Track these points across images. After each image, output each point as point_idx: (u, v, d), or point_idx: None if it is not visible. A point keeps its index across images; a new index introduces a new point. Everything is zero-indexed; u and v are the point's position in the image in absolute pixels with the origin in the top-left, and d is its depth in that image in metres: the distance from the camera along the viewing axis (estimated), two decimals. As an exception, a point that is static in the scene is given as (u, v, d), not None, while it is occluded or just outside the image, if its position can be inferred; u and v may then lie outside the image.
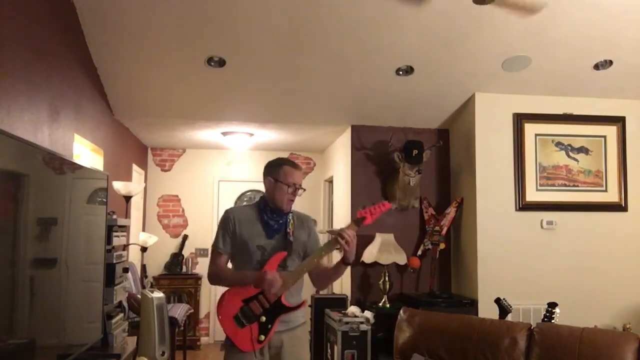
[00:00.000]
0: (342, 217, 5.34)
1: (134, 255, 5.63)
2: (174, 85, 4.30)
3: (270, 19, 3.42)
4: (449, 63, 3.99)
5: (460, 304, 4.30)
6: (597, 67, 4.07)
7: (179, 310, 4.98)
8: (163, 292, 3.58)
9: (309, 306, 4.67)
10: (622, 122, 4.58)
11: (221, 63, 3.88)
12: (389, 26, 3.51)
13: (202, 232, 6.65)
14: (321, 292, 4.93)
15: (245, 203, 6.64)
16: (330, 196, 6.36)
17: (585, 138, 4.54)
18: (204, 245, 6.65)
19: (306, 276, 2.55)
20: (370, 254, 4.55)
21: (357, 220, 2.37)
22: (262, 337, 2.34)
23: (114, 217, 3.42)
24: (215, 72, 4.00)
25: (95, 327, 3.01)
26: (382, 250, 4.53)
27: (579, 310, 4.02)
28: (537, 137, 4.49)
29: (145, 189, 6.50)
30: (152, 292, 3.46)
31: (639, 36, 3.69)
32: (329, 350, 4.38)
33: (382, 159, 4.91)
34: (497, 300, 3.49)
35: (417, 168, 4.55)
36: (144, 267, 6.27)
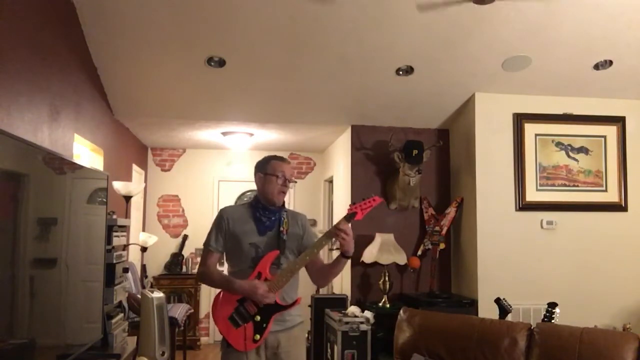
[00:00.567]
0: (342, 217, 5.33)
1: (134, 255, 5.63)
2: (174, 85, 4.30)
3: (270, 19, 3.42)
4: (449, 63, 3.99)
5: (460, 304, 4.30)
6: (597, 67, 4.07)
7: (179, 310, 4.98)
8: (163, 292, 3.58)
9: (309, 306, 4.67)
10: (622, 122, 4.59)
11: (221, 63, 3.88)
12: (389, 26, 3.51)
13: (202, 232, 6.53)
14: (321, 292, 4.93)
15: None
16: (330, 196, 6.36)
17: (585, 138, 4.54)
18: (203, 245, 6.65)
19: (305, 275, 2.55)
20: (370, 254, 4.55)
21: (347, 217, 2.39)
22: (258, 337, 2.35)
23: (114, 217, 3.43)
24: (215, 72, 4.00)
25: (95, 327, 3.01)
26: (382, 250, 4.53)
27: (579, 310, 4.02)
28: (537, 137, 4.49)
29: (145, 189, 6.50)
30: (152, 292, 3.46)
31: (639, 36, 3.69)
32: (329, 350, 4.38)
33: (382, 159, 4.91)
34: (497, 300, 3.49)
35: (417, 168, 4.55)
36: (144, 267, 6.27)
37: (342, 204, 5.41)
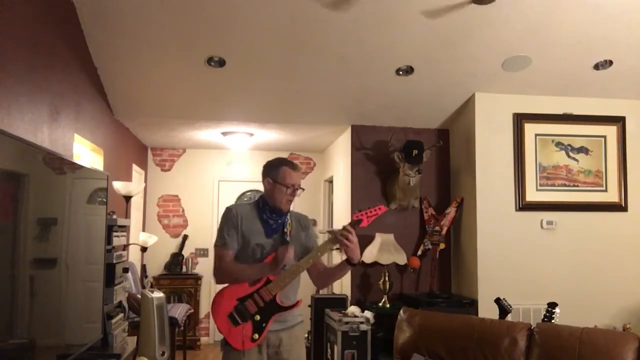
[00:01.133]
0: (342, 217, 5.34)
1: (134, 255, 5.63)
2: (174, 85, 4.30)
3: (270, 18, 3.42)
4: (449, 63, 3.99)
5: (460, 304, 4.30)
6: (597, 67, 4.07)
7: (179, 310, 4.98)
8: (163, 292, 3.58)
9: (309, 306, 4.67)
10: (622, 122, 4.59)
11: (221, 63, 3.88)
12: (389, 26, 3.51)
13: (202, 232, 6.65)
14: (321, 292, 4.93)
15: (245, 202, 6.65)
16: (330, 196, 6.36)
17: (585, 138, 4.54)
18: (204, 245, 6.66)
19: (305, 277, 2.56)
20: (370, 254, 4.55)
21: (353, 223, 2.39)
22: (256, 336, 2.36)
23: (114, 217, 3.43)
24: (215, 72, 4.00)
25: (95, 327, 3.01)
26: (382, 250, 4.53)
27: (579, 310, 4.01)
28: (537, 137, 4.49)
29: (145, 189, 6.50)
30: (152, 292, 3.46)
31: (639, 36, 3.69)
32: (329, 350, 4.38)
33: (382, 159, 4.91)
34: (497, 300, 3.49)
35: (417, 168, 4.55)
36: (144, 267, 6.27)
37: (342, 204, 5.41)
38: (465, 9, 3.30)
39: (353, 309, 4.31)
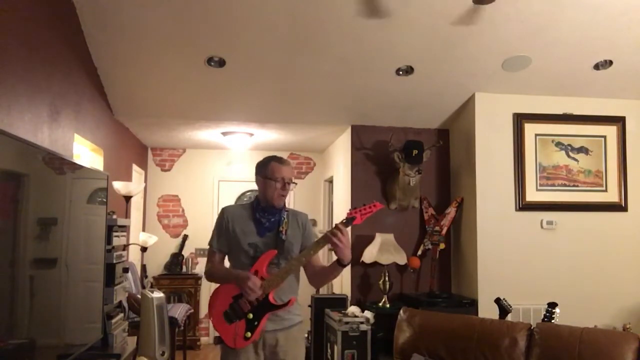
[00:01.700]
0: (342, 217, 5.32)
1: (134, 255, 5.64)
2: (174, 85, 4.30)
3: (270, 19, 3.42)
4: (449, 63, 3.99)
5: (460, 304, 4.30)
6: (597, 67, 4.07)
7: (179, 310, 4.98)
8: (163, 292, 3.58)
9: (309, 306, 4.67)
10: (622, 122, 4.59)
11: (221, 63, 3.88)
12: (389, 26, 3.51)
13: (202, 232, 6.64)
14: (321, 292, 4.93)
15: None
16: (330, 196, 6.36)
17: (585, 138, 4.54)
18: (204, 245, 6.61)
19: (303, 277, 2.56)
20: (370, 254, 4.55)
21: (346, 221, 2.37)
22: (249, 334, 2.36)
23: (114, 217, 3.43)
24: (215, 72, 4.00)
25: (95, 327, 3.01)
26: (382, 250, 4.53)
27: (579, 310, 4.01)
28: (537, 137, 4.49)
29: (145, 189, 6.50)
30: (152, 292, 3.47)
31: (639, 36, 3.69)
32: (329, 350, 4.38)
33: (382, 159, 4.91)
34: (497, 300, 3.49)
35: (417, 168, 4.55)
36: (144, 267, 6.27)
37: (342, 204, 5.41)
38: (465, 9, 3.29)
39: (353, 309, 4.31)
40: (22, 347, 2.15)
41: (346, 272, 4.94)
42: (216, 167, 6.85)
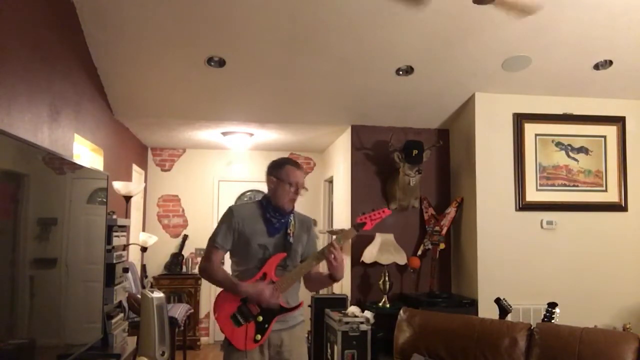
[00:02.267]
0: (342, 217, 5.34)
1: (134, 255, 5.63)
2: (174, 85, 4.30)
3: (270, 19, 3.42)
4: (449, 63, 3.99)
5: (460, 304, 4.30)
6: (597, 67, 4.07)
7: (179, 310, 4.98)
8: (163, 292, 3.58)
9: (309, 306, 4.67)
10: (622, 122, 4.58)
11: (221, 63, 3.88)
12: (389, 26, 3.51)
13: (202, 232, 6.63)
14: (321, 292, 4.93)
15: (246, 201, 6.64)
16: (330, 196, 6.36)
17: (585, 138, 4.54)
18: (204, 245, 6.54)
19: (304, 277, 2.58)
20: (370, 254, 4.55)
21: (356, 226, 2.43)
22: (259, 337, 2.37)
23: (114, 217, 3.43)
24: (215, 72, 4.00)
25: (95, 327, 3.01)
26: (382, 250, 4.53)
27: (579, 310, 4.01)
28: (537, 137, 4.49)
29: (145, 189, 6.50)
30: (152, 292, 3.47)
31: (639, 36, 3.69)
32: (329, 350, 4.38)
33: (382, 159, 4.91)
34: (497, 300, 3.49)
35: (417, 168, 4.55)
36: (144, 267, 6.27)
37: (342, 204, 5.41)
38: (465, 9, 3.29)
39: (353, 309, 4.31)
40: (22, 347, 2.15)
41: (346, 272, 4.94)
42: (216, 167, 6.85)
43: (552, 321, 3.13)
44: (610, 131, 4.57)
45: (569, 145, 4.53)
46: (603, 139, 4.56)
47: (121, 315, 3.41)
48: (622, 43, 3.77)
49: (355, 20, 3.44)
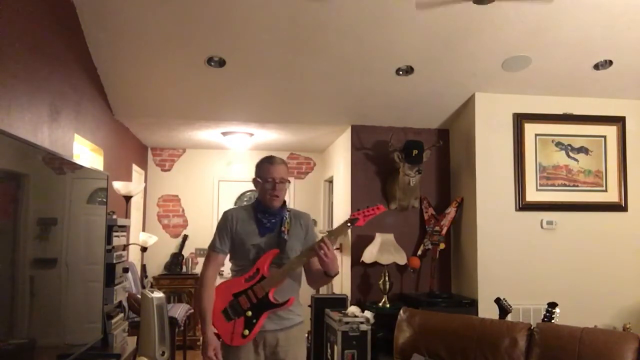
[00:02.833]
0: (342, 217, 5.33)
1: (134, 255, 5.63)
2: (174, 85, 4.30)
3: (270, 19, 3.42)
4: (449, 63, 3.99)
5: (460, 304, 4.30)
6: (597, 67, 4.07)
7: (179, 310, 4.98)
8: (163, 292, 3.58)
9: (309, 306, 4.67)
10: (622, 122, 4.59)
11: (221, 63, 3.88)
12: (389, 26, 3.51)
13: (202, 232, 6.64)
14: (321, 292, 4.93)
15: (245, 203, 6.64)
16: (330, 196, 6.36)
17: (585, 138, 4.54)
18: (204, 245, 6.63)
19: (304, 278, 2.59)
20: (370, 254, 4.55)
21: (349, 221, 2.43)
22: (247, 332, 2.38)
23: (114, 217, 3.43)
24: (215, 72, 4.00)
25: (95, 327, 3.01)
26: (382, 250, 4.53)
27: (579, 310, 4.02)
28: (537, 137, 4.49)
29: (145, 189, 6.50)
30: (152, 292, 3.47)
31: (639, 36, 3.69)
32: (329, 350, 4.38)
33: (382, 159, 4.91)
34: (497, 300, 3.49)
35: (417, 168, 4.55)
36: (144, 267, 6.27)
37: (342, 204, 5.41)
38: (465, 9, 3.30)
39: (353, 309, 4.31)
40: (22, 347, 2.15)
41: (346, 272, 4.94)
42: (216, 167, 6.85)
43: (552, 321, 3.13)
44: (610, 131, 4.57)
45: (569, 145, 4.53)
46: (603, 139, 4.56)
47: (121, 315, 3.41)
48: (622, 43, 3.77)
49: (355, 20, 3.44)
